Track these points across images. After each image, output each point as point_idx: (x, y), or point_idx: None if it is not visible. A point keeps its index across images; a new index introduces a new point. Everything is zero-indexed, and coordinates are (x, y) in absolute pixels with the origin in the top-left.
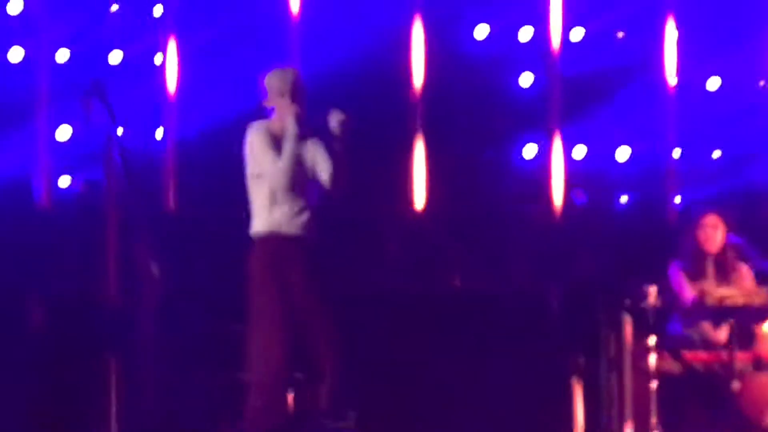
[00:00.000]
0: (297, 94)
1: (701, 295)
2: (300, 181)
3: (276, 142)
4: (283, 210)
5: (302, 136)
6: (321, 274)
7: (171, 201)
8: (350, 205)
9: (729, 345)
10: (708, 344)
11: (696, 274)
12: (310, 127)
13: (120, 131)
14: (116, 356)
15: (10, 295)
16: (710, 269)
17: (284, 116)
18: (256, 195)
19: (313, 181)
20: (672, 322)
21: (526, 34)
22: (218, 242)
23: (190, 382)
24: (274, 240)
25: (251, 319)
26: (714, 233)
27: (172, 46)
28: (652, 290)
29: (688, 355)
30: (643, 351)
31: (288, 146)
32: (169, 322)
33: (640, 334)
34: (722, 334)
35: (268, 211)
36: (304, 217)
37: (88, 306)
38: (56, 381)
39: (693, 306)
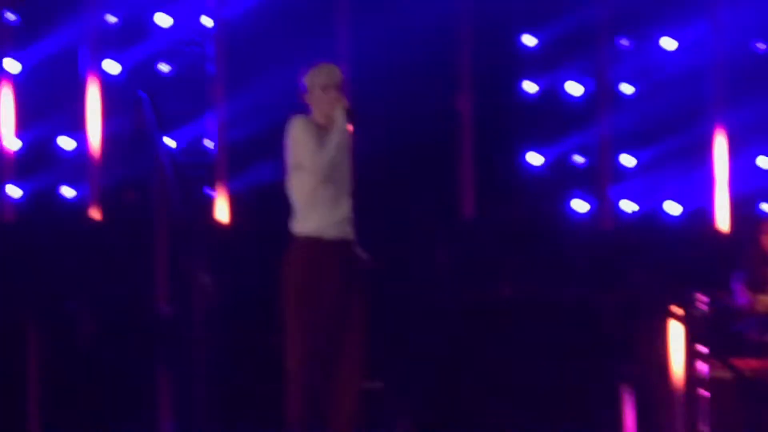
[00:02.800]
0: (342, 89)
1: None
2: (344, 177)
3: (319, 136)
4: (325, 211)
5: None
6: (363, 279)
7: (226, 211)
8: (400, 211)
9: None
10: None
11: (762, 283)
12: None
13: (171, 142)
14: (166, 364)
15: (61, 303)
16: None
17: (328, 111)
18: (296, 190)
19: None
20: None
21: None
22: (272, 254)
23: (239, 389)
24: (314, 244)
25: (287, 325)
26: None
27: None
28: (703, 298)
29: (738, 362)
30: (693, 358)
31: (334, 138)
32: (219, 332)
33: (691, 342)
34: None
35: (309, 210)
36: (347, 217)
37: (138, 313)
38: (108, 387)
39: (743, 314)
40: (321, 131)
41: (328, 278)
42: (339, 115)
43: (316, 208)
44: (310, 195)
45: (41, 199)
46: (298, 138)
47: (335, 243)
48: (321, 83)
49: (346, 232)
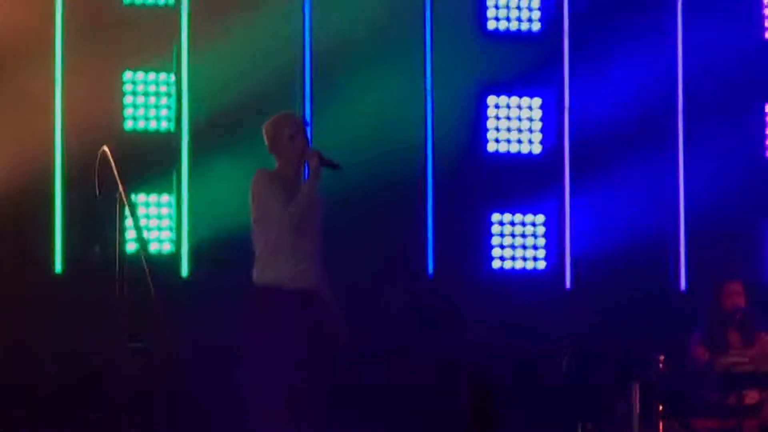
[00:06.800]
0: (305, 135)
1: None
2: (310, 228)
3: (285, 188)
4: (287, 261)
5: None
6: (328, 331)
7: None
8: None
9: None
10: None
11: (720, 345)
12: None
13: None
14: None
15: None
16: (734, 337)
17: (296, 159)
18: (260, 241)
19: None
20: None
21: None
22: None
23: None
24: (273, 294)
25: (250, 376)
26: (739, 300)
27: None
28: (660, 358)
29: (696, 422)
30: (651, 418)
31: (308, 191)
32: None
33: (649, 401)
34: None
35: (270, 260)
36: (311, 267)
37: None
38: None
39: (701, 374)
40: (287, 182)
41: (288, 329)
42: (315, 166)
43: (277, 259)
44: (273, 246)
45: None
46: (264, 191)
47: (295, 293)
48: (288, 132)
49: (309, 282)
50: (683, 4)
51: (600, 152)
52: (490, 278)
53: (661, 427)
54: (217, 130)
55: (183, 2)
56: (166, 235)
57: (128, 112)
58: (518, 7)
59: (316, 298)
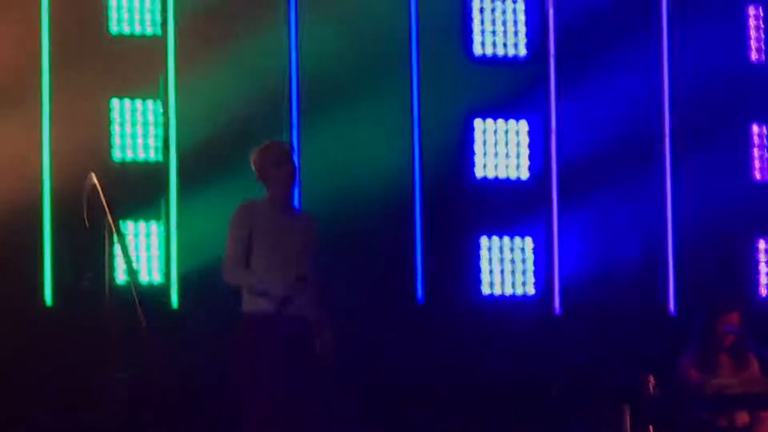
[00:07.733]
0: (292, 157)
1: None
2: (290, 260)
3: (269, 218)
4: (269, 291)
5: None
6: (317, 357)
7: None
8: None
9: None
10: None
11: (710, 367)
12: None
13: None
14: None
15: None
16: (725, 360)
17: (281, 186)
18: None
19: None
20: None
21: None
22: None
23: None
24: (261, 320)
25: (241, 402)
26: (735, 330)
27: None
28: (651, 380)
29: None
30: None
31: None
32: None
33: (640, 424)
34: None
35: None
36: (294, 295)
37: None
38: None
39: (693, 396)
40: (274, 208)
41: (276, 353)
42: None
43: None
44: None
45: None
46: (229, 231)
47: (279, 321)
48: (273, 160)
49: (294, 309)
50: (668, 26)
51: (588, 175)
52: (479, 304)
53: None
54: (206, 157)
55: (169, 31)
56: (156, 264)
57: (116, 141)
58: (504, 32)
59: (304, 322)
